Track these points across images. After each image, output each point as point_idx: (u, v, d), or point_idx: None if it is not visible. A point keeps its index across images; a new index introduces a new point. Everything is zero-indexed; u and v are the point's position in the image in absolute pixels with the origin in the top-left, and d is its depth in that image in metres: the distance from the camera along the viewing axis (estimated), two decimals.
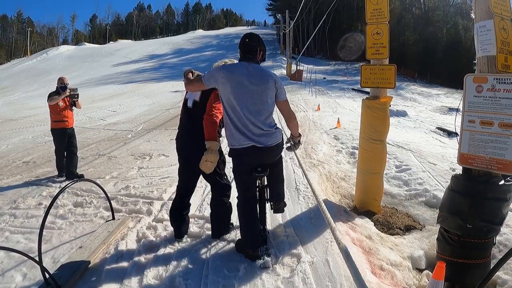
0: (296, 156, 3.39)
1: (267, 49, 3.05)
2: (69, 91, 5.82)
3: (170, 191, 4.56)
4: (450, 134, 10.99)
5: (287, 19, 33.32)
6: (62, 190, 3.05)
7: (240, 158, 2.79)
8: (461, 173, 2.63)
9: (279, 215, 3.66)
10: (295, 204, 4.01)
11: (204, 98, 3.04)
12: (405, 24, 57.50)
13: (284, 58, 42.88)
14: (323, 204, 2.21)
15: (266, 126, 2.71)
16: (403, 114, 14.37)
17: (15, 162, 7.09)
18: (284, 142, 3.05)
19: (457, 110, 3.42)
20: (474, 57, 2.63)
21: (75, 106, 6.00)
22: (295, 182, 4.73)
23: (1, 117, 15.78)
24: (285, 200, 3.27)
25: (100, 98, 22.93)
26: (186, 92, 3.22)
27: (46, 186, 5.27)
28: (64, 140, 5.80)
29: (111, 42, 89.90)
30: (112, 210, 3.74)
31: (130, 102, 19.56)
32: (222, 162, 3.26)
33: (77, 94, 5.92)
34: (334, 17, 58.22)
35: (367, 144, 4.11)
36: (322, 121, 10.87)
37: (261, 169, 2.78)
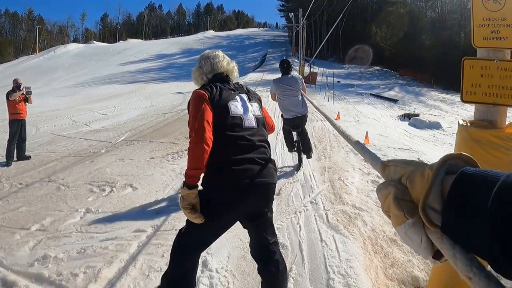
0: None
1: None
2: (24, 89, 7.16)
3: (106, 277, 2.62)
4: None
5: (300, 17, 31.32)
6: None
7: (291, 122, 5.54)
8: None
9: None
10: None
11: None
12: (420, 27, 54.95)
13: (296, 60, 40.91)
14: None
15: (300, 103, 5.48)
16: (436, 126, 12.22)
17: None
18: None
19: None
20: None
21: (28, 102, 7.32)
22: (325, 265, 2.74)
23: None
24: None
25: (98, 99, 21.29)
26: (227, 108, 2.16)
27: None
28: (19, 129, 7.07)
29: (120, 41, 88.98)
30: None
31: (127, 104, 17.76)
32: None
33: (30, 92, 7.33)
34: (348, 20, 55.85)
35: None
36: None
37: (297, 127, 5.55)
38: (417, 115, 14.82)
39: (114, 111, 15.13)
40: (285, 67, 5.49)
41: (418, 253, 0.52)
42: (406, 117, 14.71)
